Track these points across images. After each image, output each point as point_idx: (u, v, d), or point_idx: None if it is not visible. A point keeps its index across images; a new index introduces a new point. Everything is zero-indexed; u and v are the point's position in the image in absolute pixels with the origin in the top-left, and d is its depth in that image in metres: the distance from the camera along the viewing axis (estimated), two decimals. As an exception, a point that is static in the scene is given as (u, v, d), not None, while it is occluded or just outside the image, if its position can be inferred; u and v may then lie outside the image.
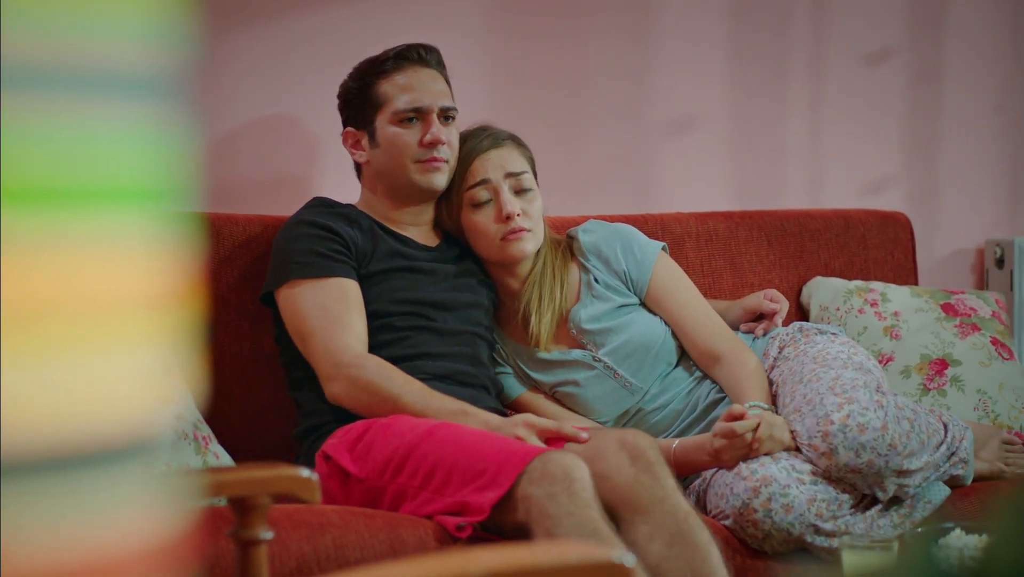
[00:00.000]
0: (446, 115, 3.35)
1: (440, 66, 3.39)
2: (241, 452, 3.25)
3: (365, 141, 3.36)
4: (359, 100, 3.35)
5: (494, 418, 3.09)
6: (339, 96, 3.40)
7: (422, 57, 3.36)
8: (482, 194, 3.35)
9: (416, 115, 3.32)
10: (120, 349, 0.72)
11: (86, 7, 0.70)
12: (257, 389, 3.40)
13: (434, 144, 3.30)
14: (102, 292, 0.71)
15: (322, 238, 3.22)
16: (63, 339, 0.70)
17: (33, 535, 0.69)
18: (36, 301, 0.69)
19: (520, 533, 2.78)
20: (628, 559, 1.58)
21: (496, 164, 3.36)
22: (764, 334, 3.52)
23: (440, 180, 3.33)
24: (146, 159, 0.73)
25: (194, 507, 2.18)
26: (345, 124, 3.39)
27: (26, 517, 0.68)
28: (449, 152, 3.33)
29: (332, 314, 3.15)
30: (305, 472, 2.25)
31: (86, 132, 0.71)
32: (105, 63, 0.71)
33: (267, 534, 2.22)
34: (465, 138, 3.39)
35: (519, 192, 3.36)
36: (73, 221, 0.70)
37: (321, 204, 3.34)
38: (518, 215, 3.33)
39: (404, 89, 3.33)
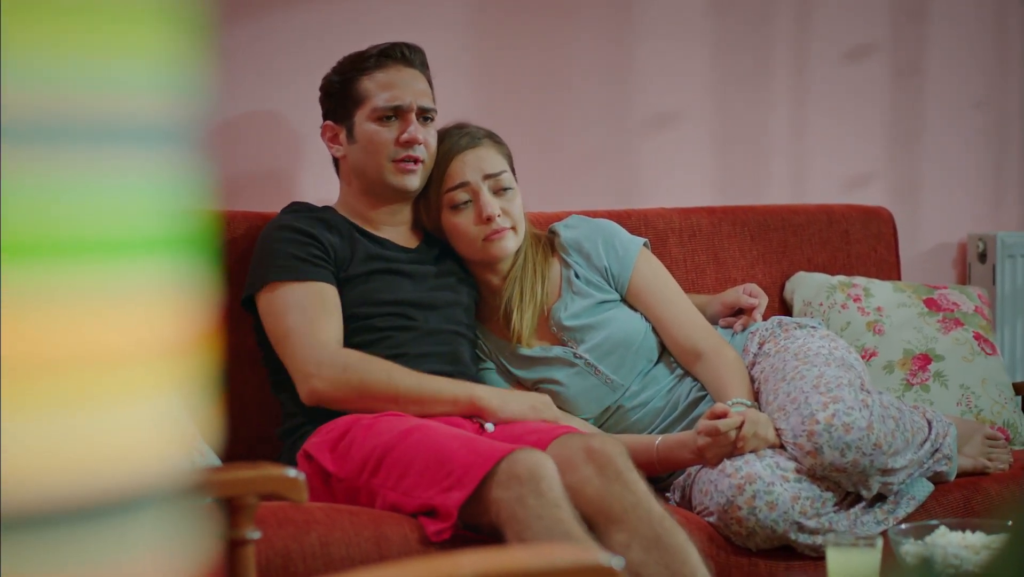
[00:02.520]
0: (425, 115, 3.35)
1: (423, 67, 3.39)
2: (225, 449, 3.24)
3: (343, 136, 3.36)
4: (340, 94, 3.35)
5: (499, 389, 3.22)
6: (321, 89, 3.41)
7: (406, 56, 3.36)
8: (461, 196, 3.34)
9: (395, 113, 3.32)
10: (129, 400, 0.71)
11: (93, 57, 0.70)
12: (240, 387, 3.40)
13: (411, 143, 3.30)
14: (110, 344, 0.70)
15: (301, 243, 3.22)
16: (69, 392, 0.70)
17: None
18: (41, 355, 0.68)
19: (494, 533, 2.79)
20: (616, 562, 1.58)
21: (474, 165, 3.35)
22: (743, 329, 3.52)
23: (413, 181, 3.33)
24: (156, 209, 0.73)
25: (210, 554, 2.19)
26: (325, 117, 3.40)
27: (30, 572, 0.68)
28: (426, 152, 3.33)
29: (309, 316, 3.16)
30: (292, 472, 2.25)
31: (94, 183, 0.70)
32: (112, 113, 0.71)
33: (254, 534, 2.22)
34: (441, 137, 3.38)
35: (498, 191, 3.36)
36: (81, 273, 0.70)
37: (299, 209, 3.34)
38: (498, 215, 3.33)
39: (385, 87, 3.33)
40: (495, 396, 3.20)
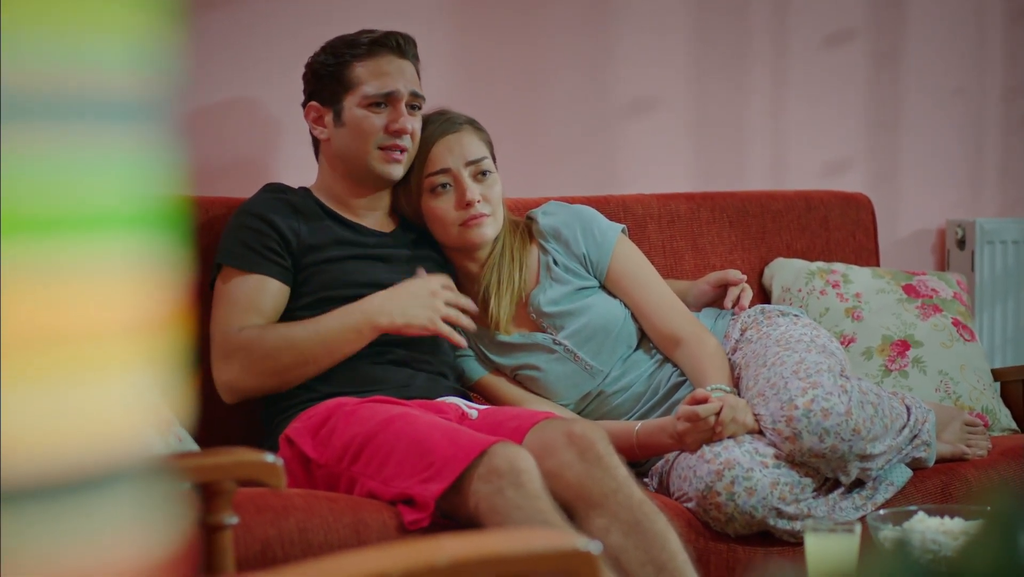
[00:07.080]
0: (413, 105, 3.35)
1: (415, 58, 3.39)
2: (203, 433, 3.23)
3: (329, 119, 3.35)
4: (330, 77, 3.34)
5: (384, 296, 3.17)
6: (307, 68, 3.39)
7: (399, 46, 3.36)
8: (442, 181, 3.34)
9: (386, 101, 3.32)
10: (112, 375, 0.71)
11: (73, 35, 0.70)
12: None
13: (400, 133, 3.30)
14: (94, 319, 0.70)
15: (258, 232, 3.23)
16: (58, 366, 0.70)
17: (32, 561, 0.68)
18: (30, 330, 0.68)
19: (471, 523, 2.79)
20: (594, 546, 1.58)
21: (456, 151, 3.35)
22: (737, 309, 3.49)
23: (397, 171, 3.33)
24: (133, 185, 0.73)
25: (188, 528, 2.19)
26: (310, 98, 3.38)
27: (24, 543, 0.68)
28: (411, 142, 3.33)
29: (238, 306, 3.20)
30: (270, 457, 2.24)
31: (74, 159, 0.70)
32: (92, 90, 0.71)
33: (232, 519, 2.22)
34: (423, 123, 3.38)
35: (478, 177, 3.35)
36: (64, 249, 0.70)
37: (273, 191, 3.34)
38: (478, 201, 3.32)
39: (377, 75, 3.32)
40: (386, 314, 3.17)
